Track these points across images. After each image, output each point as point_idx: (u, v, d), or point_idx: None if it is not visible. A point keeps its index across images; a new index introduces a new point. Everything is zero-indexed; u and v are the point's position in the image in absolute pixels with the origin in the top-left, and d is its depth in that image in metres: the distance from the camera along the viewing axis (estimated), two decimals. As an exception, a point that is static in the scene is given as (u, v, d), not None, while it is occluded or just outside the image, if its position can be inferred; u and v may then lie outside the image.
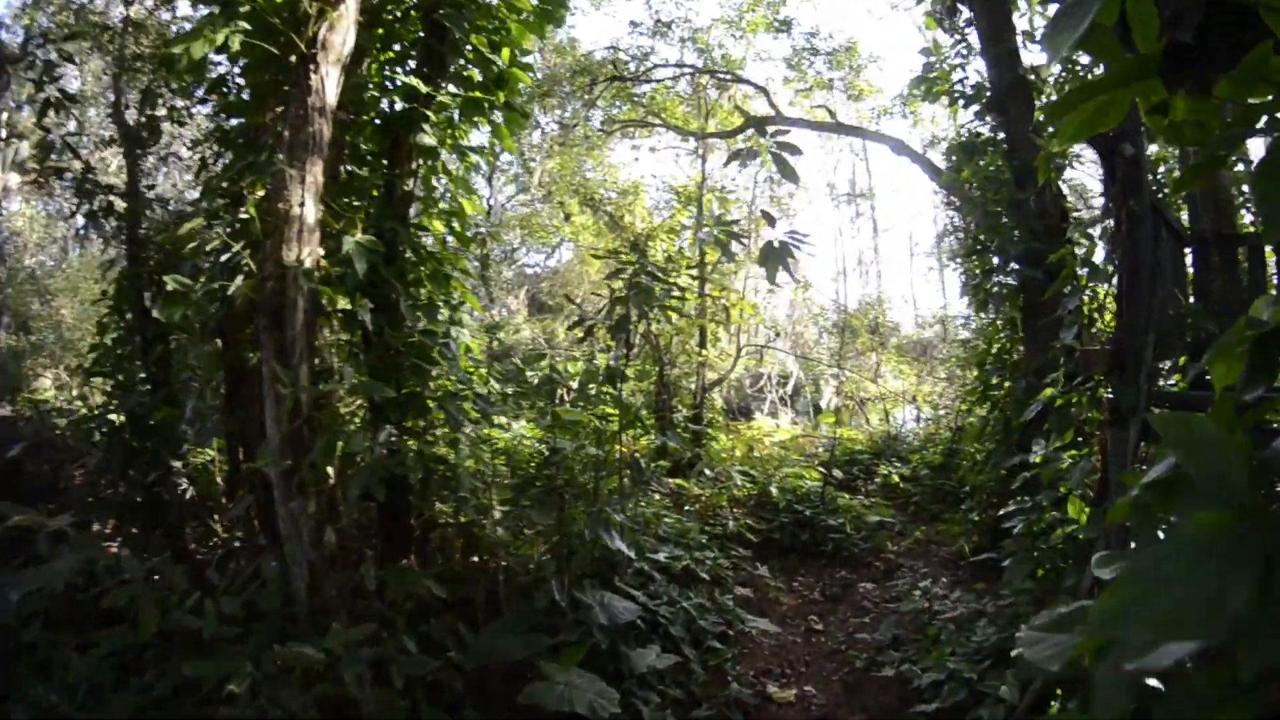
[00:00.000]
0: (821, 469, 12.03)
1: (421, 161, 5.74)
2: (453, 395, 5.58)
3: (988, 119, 8.03)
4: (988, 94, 8.04)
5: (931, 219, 31.98)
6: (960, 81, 8.40)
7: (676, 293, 6.40)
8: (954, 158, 8.39)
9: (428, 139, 5.47)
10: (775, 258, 4.37)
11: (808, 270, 36.18)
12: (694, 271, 13.17)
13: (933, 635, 5.65)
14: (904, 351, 18.02)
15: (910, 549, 8.89)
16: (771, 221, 4.57)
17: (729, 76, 13.74)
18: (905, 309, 26.22)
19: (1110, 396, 4.52)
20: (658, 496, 10.01)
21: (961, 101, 8.25)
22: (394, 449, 4.94)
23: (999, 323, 8.18)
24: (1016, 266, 7.35)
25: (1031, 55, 7.96)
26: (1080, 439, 4.89)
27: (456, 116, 5.81)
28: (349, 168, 5.50)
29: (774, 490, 9.53)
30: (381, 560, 5.01)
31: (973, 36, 8.35)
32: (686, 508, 10.09)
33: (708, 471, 12.19)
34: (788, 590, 7.35)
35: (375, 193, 5.58)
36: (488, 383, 6.17)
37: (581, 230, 18.57)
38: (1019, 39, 7.92)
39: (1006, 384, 7.66)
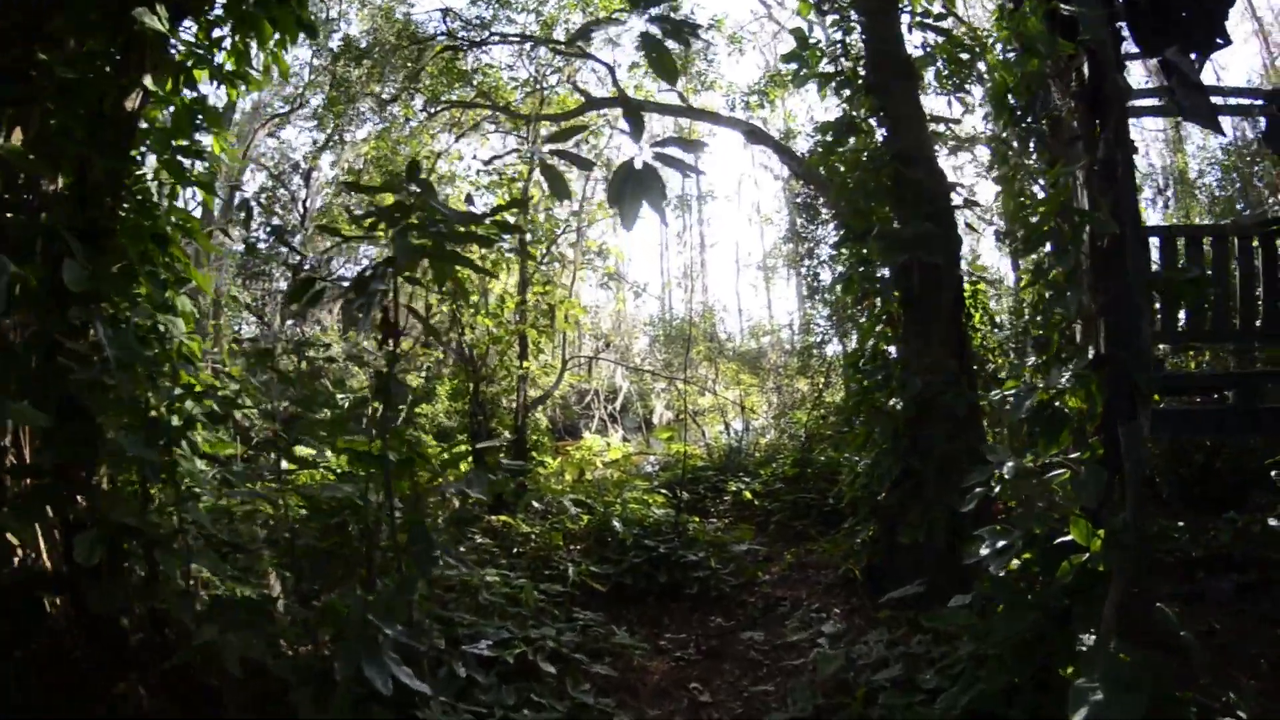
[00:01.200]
0: (668, 492, 10.62)
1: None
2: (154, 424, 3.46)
3: (860, 103, 6.99)
4: (863, 75, 7.02)
5: (760, 231, 32.07)
6: (837, 59, 7.34)
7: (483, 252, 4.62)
8: (826, 138, 7.28)
9: (154, 22, 3.40)
10: (637, 187, 2.58)
11: (635, 275, 35.52)
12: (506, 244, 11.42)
13: (863, 698, 4.22)
14: (739, 363, 17.20)
15: (785, 576, 7.59)
16: (637, 129, 2.85)
17: (573, 51, 12.14)
18: (734, 320, 25.80)
19: (1118, 383, 3.30)
20: (479, 540, 8.12)
21: (835, 84, 7.18)
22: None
23: (872, 319, 7.09)
24: (895, 255, 6.28)
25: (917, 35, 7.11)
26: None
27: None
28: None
29: (617, 524, 7.92)
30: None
31: (852, 14, 7.33)
32: (516, 550, 8.32)
33: (536, 504, 10.41)
34: (655, 652, 5.72)
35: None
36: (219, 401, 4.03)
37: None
38: (904, 17, 7.02)
39: (892, 385, 6.54)
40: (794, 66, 7.54)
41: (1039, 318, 6.48)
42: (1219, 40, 3.63)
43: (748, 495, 10.64)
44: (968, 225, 4.93)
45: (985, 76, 8.43)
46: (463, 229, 3.37)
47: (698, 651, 5.78)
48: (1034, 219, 3.99)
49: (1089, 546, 3.12)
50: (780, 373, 18.29)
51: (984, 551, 3.45)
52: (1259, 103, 5.32)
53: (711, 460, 13.80)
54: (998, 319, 9.76)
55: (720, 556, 7.46)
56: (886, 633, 5.02)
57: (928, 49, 7.26)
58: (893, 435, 6.39)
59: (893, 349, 6.83)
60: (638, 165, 2.56)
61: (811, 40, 7.44)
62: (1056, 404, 3.50)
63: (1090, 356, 3.44)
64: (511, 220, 10.73)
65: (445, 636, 4.19)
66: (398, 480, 3.60)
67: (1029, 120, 4.69)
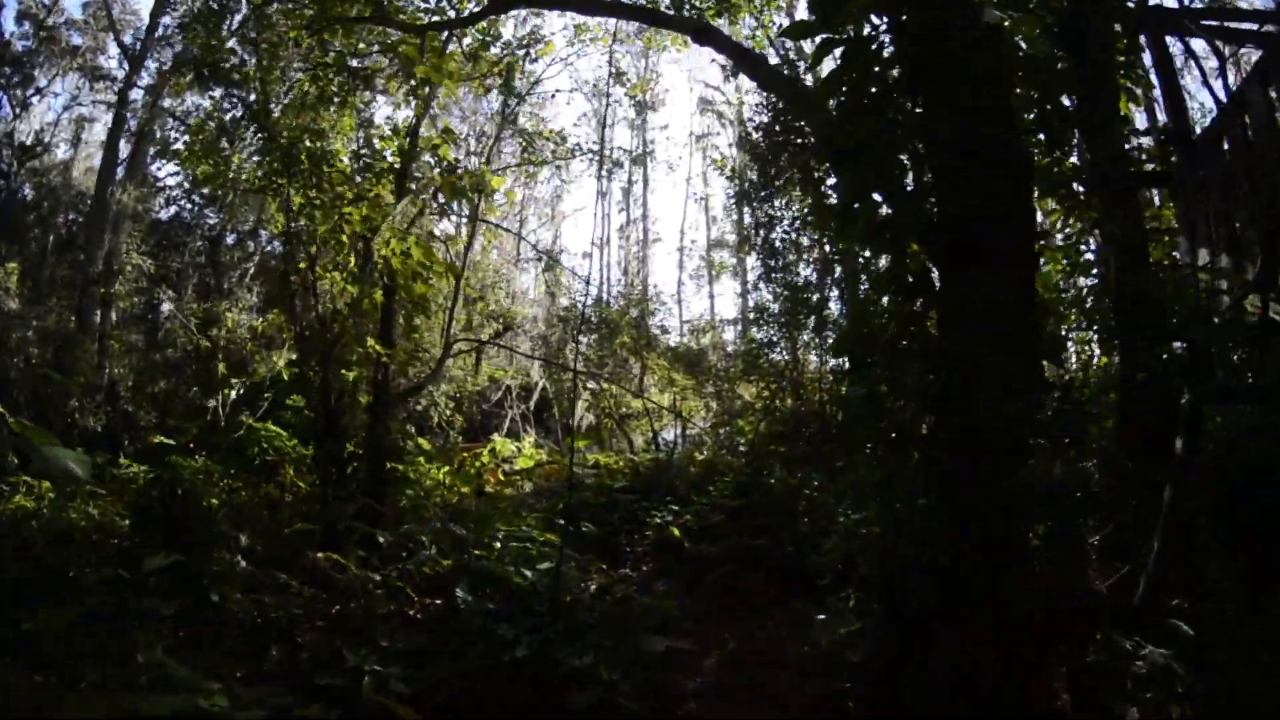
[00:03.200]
0: (561, 527, 7.85)
1: None
2: None
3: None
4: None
5: (705, 209, 29.44)
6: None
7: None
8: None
9: None
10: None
11: (573, 267, 32.34)
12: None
13: None
14: (674, 359, 14.47)
15: (724, 683, 4.83)
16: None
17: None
18: (672, 318, 23.09)
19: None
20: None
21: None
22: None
23: (881, 285, 4.37)
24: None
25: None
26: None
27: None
28: None
29: (461, 593, 5.12)
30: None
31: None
32: (320, 612, 5.54)
33: (383, 537, 7.55)
34: None
35: None
36: None
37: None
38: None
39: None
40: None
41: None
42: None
43: (675, 532, 7.89)
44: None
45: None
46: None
47: None
48: None
49: None
50: (722, 376, 15.69)
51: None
52: None
53: (634, 477, 11.05)
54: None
55: (619, 654, 4.62)
56: None
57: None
58: (924, 473, 3.71)
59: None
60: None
61: None
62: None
63: None
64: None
65: None
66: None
67: None
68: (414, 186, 9.56)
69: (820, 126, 5.28)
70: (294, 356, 9.63)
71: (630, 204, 31.98)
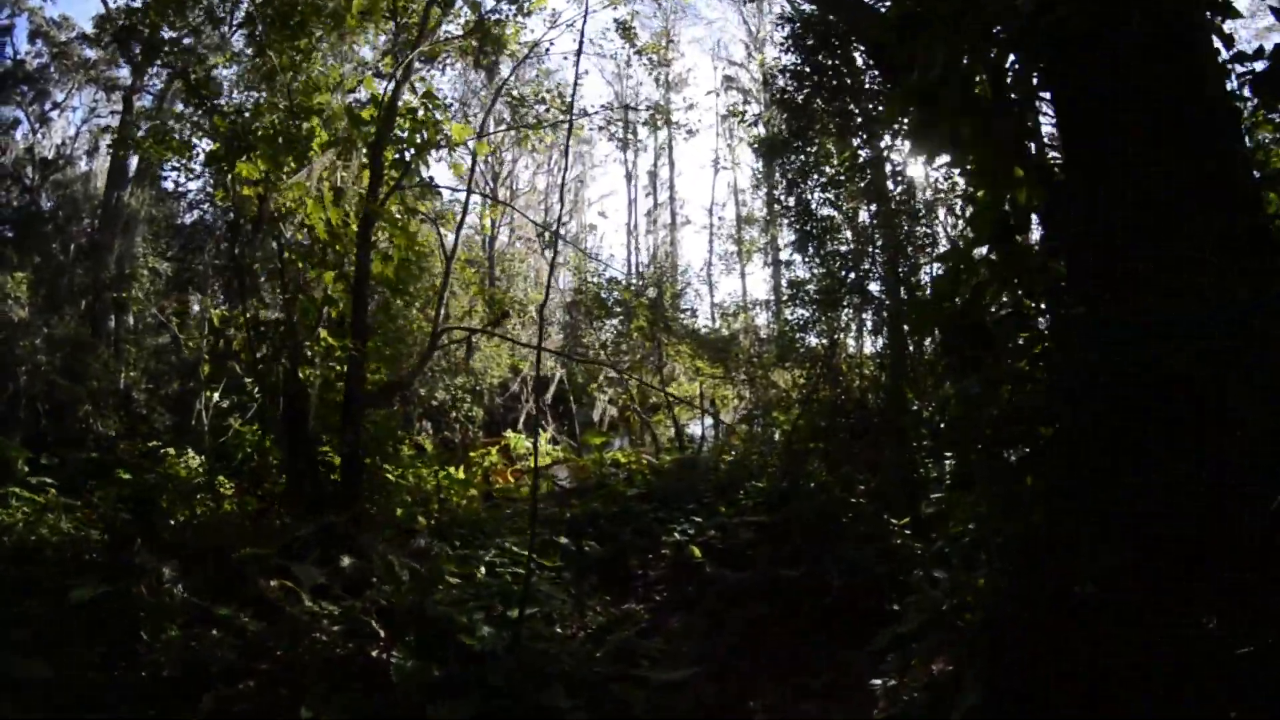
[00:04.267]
0: (568, 542, 6.58)
1: None
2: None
3: None
4: None
5: (733, 182, 27.87)
6: None
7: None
8: None
9: None
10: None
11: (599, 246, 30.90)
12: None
13: None
14: (699, 345, 13.01)
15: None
16: None
17: None
18: (701, 301, 21.57)
19: None
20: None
21: None
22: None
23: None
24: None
25: None
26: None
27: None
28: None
29: (398, 661, 3.85)
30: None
31: None
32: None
33: (348, 559, 6.33)
34: None
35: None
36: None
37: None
38: None
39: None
40: None
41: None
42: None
43: (696, 552, 6.53)
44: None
45: None
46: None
47: None
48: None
49: None
50: (754, 363, 14.22)
51: None
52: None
53: (653, 480, 9.68)
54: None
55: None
56: None
57: None
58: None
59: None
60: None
61: None
62: None
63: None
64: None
65: None
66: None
67: None
68: (392, 158, 8.30)
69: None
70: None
71: (657, 188, 30.78)
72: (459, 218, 9.90)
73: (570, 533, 7.58)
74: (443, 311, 8.78)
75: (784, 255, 11.90)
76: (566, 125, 9.81)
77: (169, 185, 19.76)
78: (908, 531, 5.97)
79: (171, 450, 10.33)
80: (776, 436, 13.63)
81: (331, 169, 7.13)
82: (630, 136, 12.15)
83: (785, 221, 11.03)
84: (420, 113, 8.29)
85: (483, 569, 6.37)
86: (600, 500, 8.47)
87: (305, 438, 7.91)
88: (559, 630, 5.27)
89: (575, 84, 7.62)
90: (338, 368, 8.12)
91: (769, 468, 9.03)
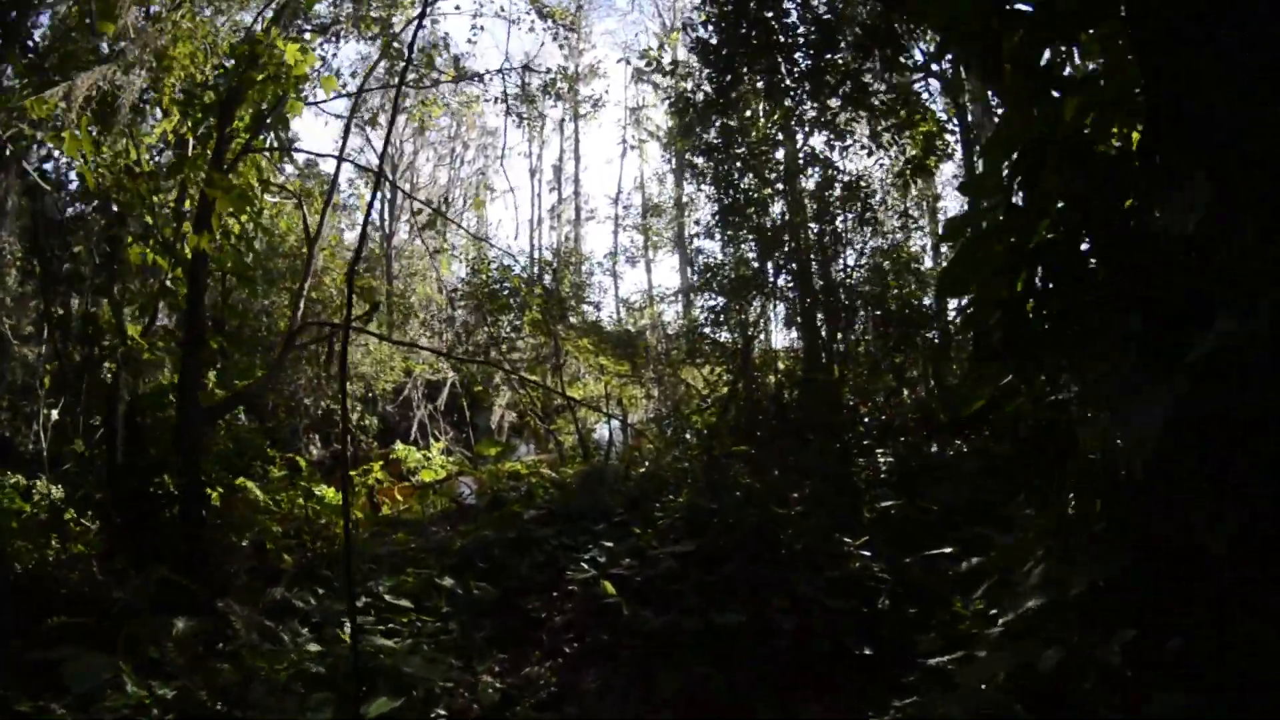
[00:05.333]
0: (450, 580, 5.37)
1: None
2: None
3: None
4: None
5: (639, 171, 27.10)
6: None
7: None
8: None
9: None
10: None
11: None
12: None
13: None
14: (601, 340, 11.86)
15: None
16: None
17: None
18: (605, 295, 20.42)
19: None
20: None
21: None
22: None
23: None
24: None
25: None
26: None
27: None
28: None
29: None
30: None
31: None
32: None
33: (181, 623, 4.96)
34: None
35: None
36: None
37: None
38: None
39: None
40: None
41: None
42: None
43: (609, 589, 5.40)
44: None
45: None
46: None
47: None
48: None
49: None
50: (662, 360, 13.23)
51: None
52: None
53: (557, 494, 8.53)
54: None
55: None
56: None
57: None
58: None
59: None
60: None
61: None
62: None
63: None
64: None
65: None
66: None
67: None
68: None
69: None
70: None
71: (561, 182, 29.66)
72: (327, 192, 8.38)
73: (457, 568, 6.34)
74: (302, 305, 7.30)
75: (697, 240, 10.94)
76: (453, 88, 8.50)
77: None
78: (864, 552, 5.03)
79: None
80: (689, 438, 12.69)
81: (107, 93, 5.57)
82: (530, 113, 10.92)
83: (703, 196, 10.13)
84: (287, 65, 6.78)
85: (346, 627, 5.06)
86: (493, 525, 7.24)
87: (139, 463, 6.34)
88: (443, 715, 4.06)
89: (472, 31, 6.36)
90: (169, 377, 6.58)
91: (687, 477, 8.02)
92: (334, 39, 9.36)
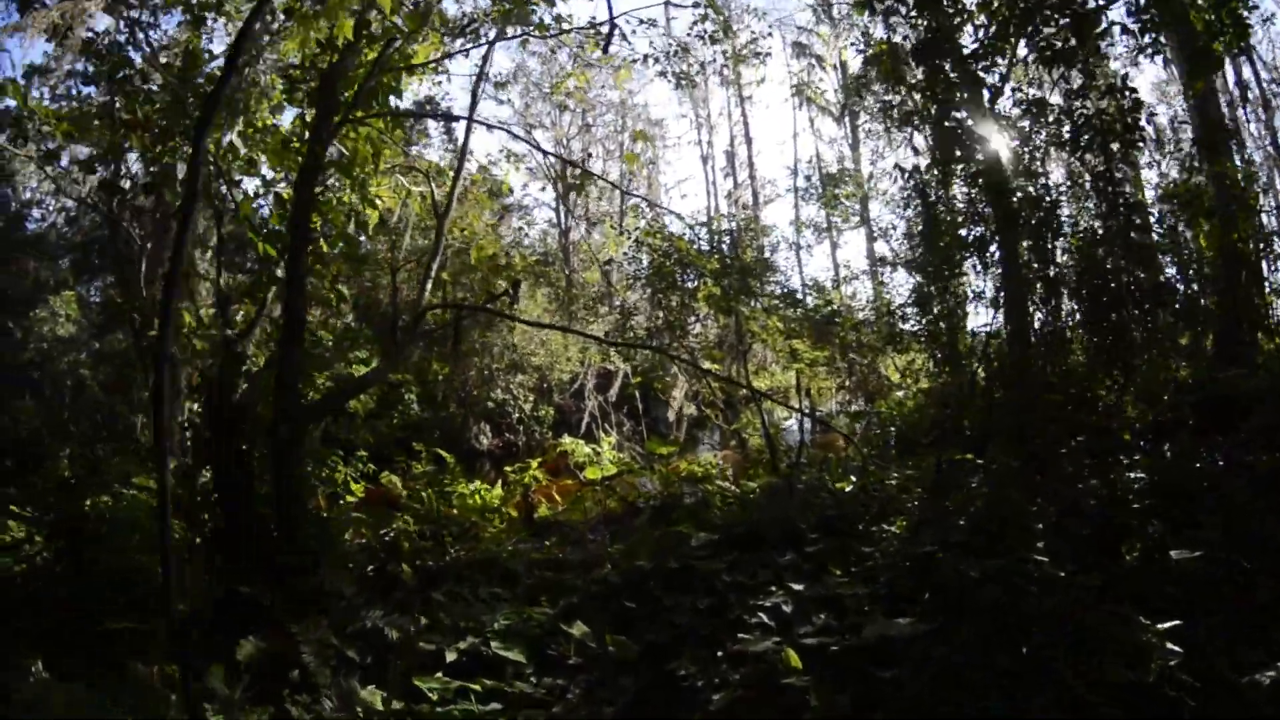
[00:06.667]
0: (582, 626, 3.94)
1: None
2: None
3: None
4: None
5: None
6: None
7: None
8: None
9: None
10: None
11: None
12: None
13: None
14: (796, 321, 10.05)
15: None
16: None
17: None
18: (792, 276, 18.59)
19: None
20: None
21: None
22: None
23: None
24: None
25: None
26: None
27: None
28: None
29: None
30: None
31: None
32: None
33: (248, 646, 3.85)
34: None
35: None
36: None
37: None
38: None
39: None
40: None
41: None
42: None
43: (793, 661, 3.74)
44: None
45: None
46: None
47: None
48: None
49: None
50: (861, 346, 11.22)
51: None
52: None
53: (736, 510, 6.95)
54: None
55: None
56: None
57: None
58: None
59: None
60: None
61: None
62: None
63: None
64: None
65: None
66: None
67: None
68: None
69: None
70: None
71: (735, 168, 28.35)
72: (458, 160, 7.34)
73: (598, 601, 4.97)
74: (429, 287, 6.24)
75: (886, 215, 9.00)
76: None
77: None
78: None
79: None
80: (888, 436, 10.68)
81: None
82: (691, 78, 9.48)
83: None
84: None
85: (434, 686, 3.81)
86: (651, 548, 5.80)
87: (238, 462, 5.54)
88: None
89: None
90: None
91: (901, 494, 6.16)
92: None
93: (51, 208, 18.13)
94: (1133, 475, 5.26)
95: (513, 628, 4.48)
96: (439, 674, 3.98)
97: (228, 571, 4.98)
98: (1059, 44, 6.26)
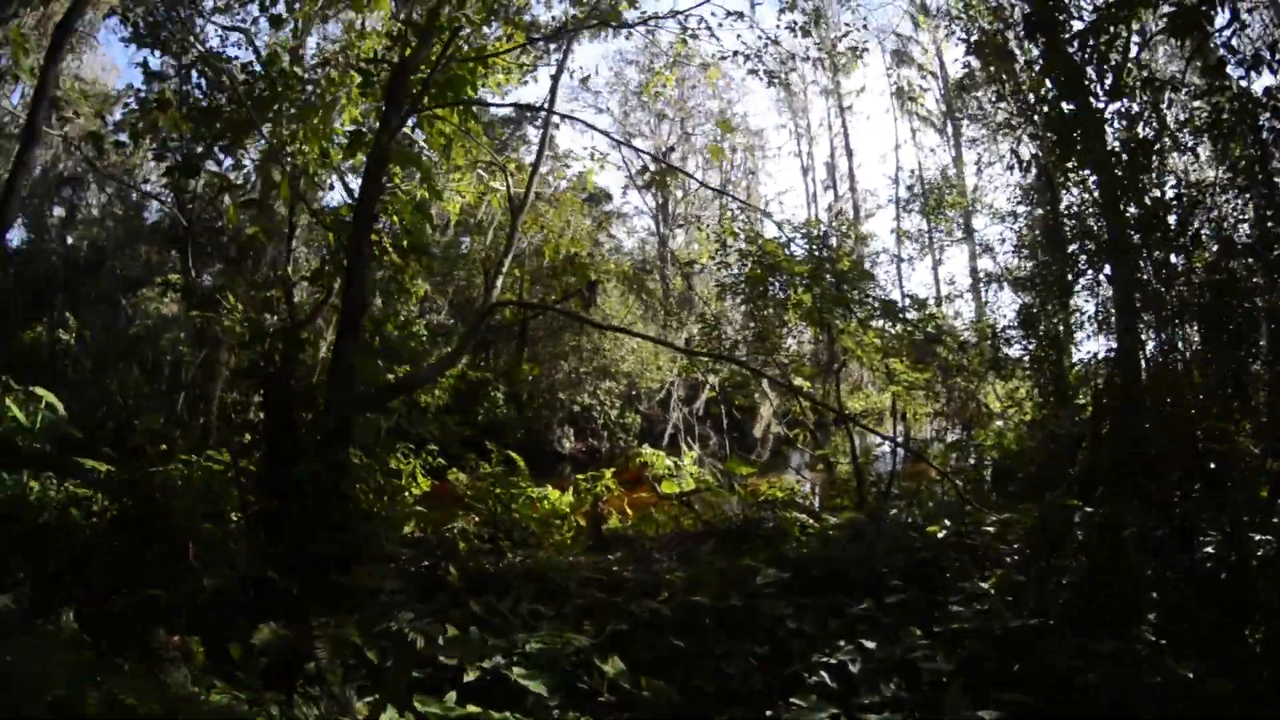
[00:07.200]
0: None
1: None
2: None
3: None
4: None
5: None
6: None
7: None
8: None
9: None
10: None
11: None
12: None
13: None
14: (898, 338, 9.31)
15: None
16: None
17: None
18: (893, 291, 17.69)
19: None
20: None
21: None
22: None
23: None
24: None
25: None
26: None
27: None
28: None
29: None
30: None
31: None
32: None
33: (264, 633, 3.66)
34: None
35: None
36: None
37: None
38: None
39: None
40: None
41: None
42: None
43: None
44: None
45: None
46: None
47: None
48: None
49: None
50: (963, 369, 10.37)
51: None
52: None
53: (814, 546, 6.38)
54: None
55: None
56: None
57: None
58: None
59: None
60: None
61: None
62: None
63: None
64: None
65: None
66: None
67: None
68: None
69: None
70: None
71: (836, 180, 28.55)
72: (536, 155, 7.07)
73: (645, 633, 4.53)
74: (499, 283, 5.97)
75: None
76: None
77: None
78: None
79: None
80: (984, 477, 9.83)
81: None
82: (783, 78, 8.94)
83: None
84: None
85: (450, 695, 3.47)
86: (713, 581, 5.32)
87: (290, 448, 5.42)
88: None
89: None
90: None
91: (998, 543, 5.46)
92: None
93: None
94: (1257, 538, 4.41)
95: (545, 652, 4.09)
96: (451, 693, 3.64)
97: (266, 555, 4.86)
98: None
